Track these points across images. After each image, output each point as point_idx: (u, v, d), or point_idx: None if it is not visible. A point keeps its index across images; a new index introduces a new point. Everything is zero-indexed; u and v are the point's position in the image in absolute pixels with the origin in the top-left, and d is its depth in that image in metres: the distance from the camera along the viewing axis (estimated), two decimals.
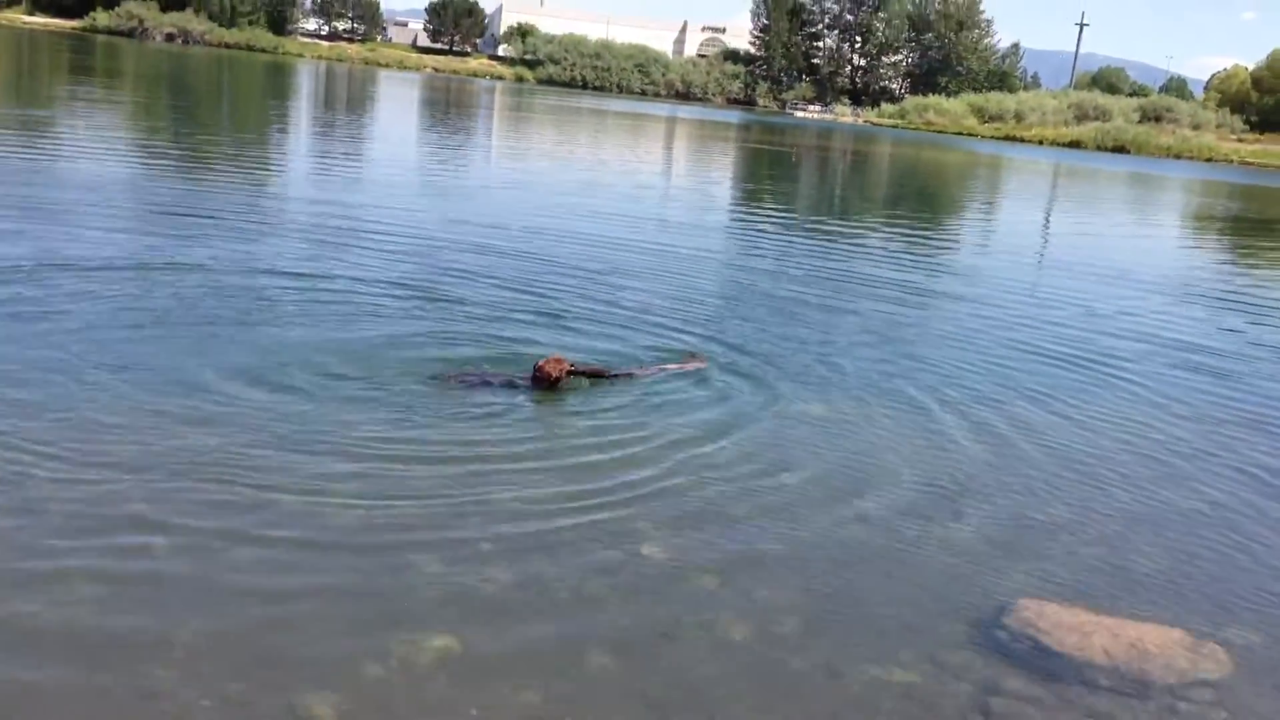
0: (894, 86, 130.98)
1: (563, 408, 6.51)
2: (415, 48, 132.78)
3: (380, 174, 19.58)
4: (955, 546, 5.13)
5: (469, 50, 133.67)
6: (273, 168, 18.74)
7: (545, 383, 6.63)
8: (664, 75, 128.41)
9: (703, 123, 68.16)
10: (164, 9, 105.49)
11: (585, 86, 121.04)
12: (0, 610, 3.75)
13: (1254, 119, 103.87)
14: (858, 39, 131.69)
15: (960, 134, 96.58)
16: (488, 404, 6.37)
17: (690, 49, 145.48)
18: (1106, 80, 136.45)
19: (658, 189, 24.06)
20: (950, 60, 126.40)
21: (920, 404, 7.38)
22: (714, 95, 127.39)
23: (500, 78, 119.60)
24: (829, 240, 17.09)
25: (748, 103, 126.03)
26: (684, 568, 4.60)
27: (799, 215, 21.27)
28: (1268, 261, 22.00)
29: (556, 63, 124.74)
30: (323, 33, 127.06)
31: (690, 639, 4.06)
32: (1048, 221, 26.91)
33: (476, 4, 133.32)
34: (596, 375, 7.01)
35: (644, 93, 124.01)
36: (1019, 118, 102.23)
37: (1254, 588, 5.00)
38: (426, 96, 60.99)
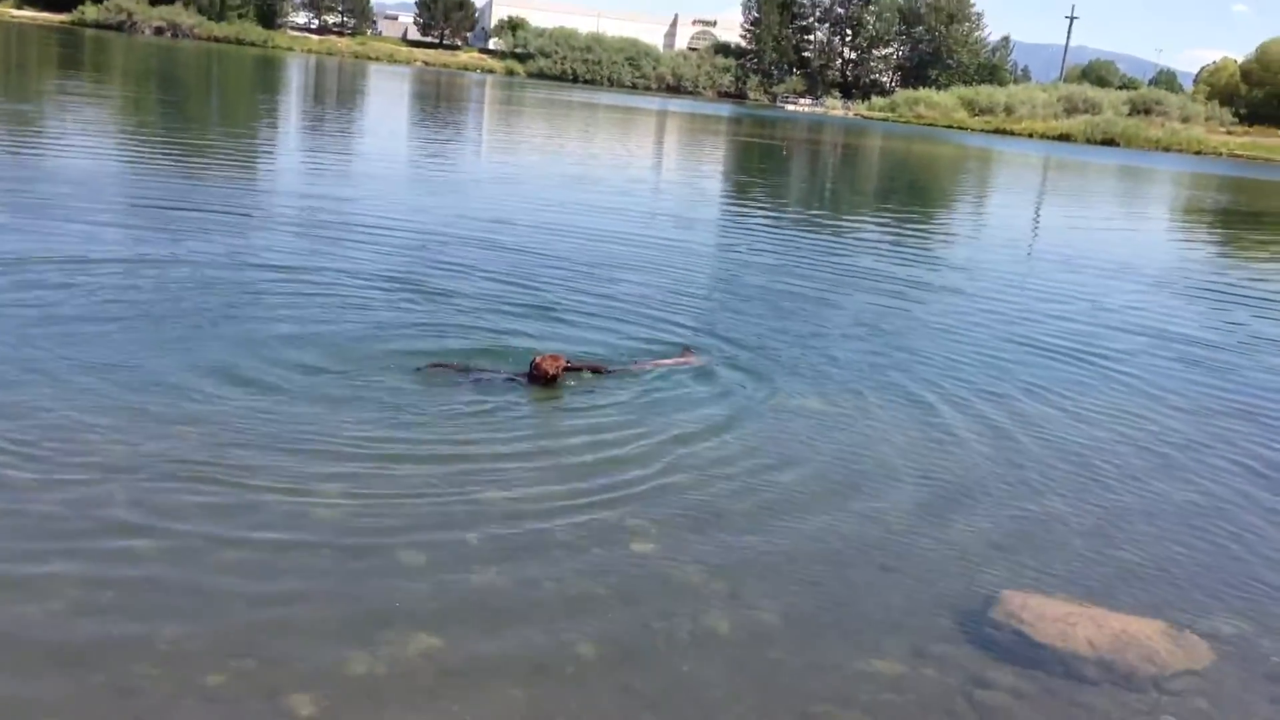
0: (884, 80, 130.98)
1: (557, 404, 6.50)
2: (405, 41, 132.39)
3: (370, 168, 19.53)
4: (943, 539, 5.14)
5: (459, 44, 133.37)
6: (261, 162, 18.69)
7: (542, 379, 6.63)
8: (655, 69, 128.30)
9: (693, 116, 68.10)
10: (153, 3, 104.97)
11: (576, 80, 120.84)
12: None
13: (1243, 112, 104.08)
14: (848, 32, 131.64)
15: (951, 127, 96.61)
16: (482, 400, 6.36)
17: (681, 42, 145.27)
18: (1096, 73, 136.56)
19: (649, 183, 24.05)
20: (941, 53, 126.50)
21: (910, 397, 7.39)
22: (705, 89, 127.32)
23: (491, 71, 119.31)
24: (820, 233, 17.10)
25: (738, 96, 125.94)
26: (672, 563, 4.60)
27: (790, 209, 21.27)
28: (1258, 254, 22.06)
29: (547, 56, 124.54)
30: (312, 26, 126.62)
31: (677, 635, 4.06)
32: (1038, 214, 26.95)
33: None
34: (593, 371, 7.01)
35: (635, 86, 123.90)
36: (1009, 111, 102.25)
37: (1237, 578, 5.03)
38: (417, 90, 60.83)
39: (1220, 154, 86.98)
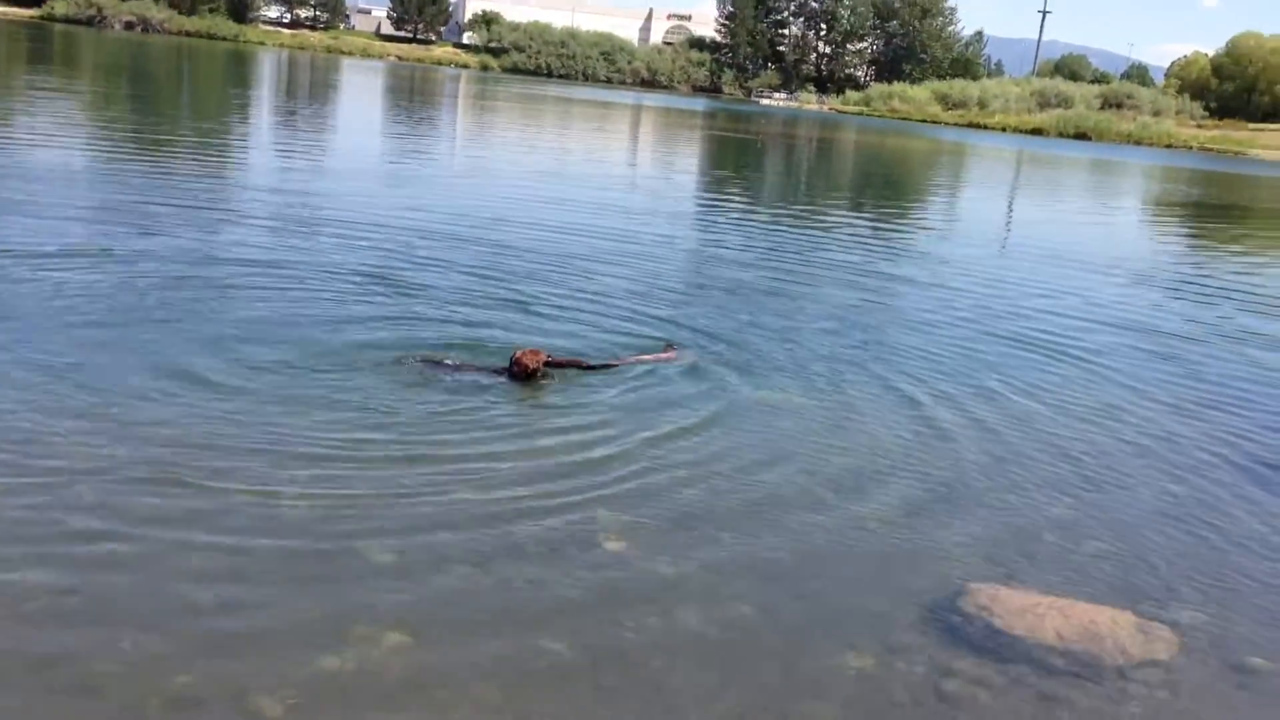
0: (859, 74, 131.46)
1: (535, 400, 6.48)
2: (379, 35, 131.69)
3: (341, 164, 19.44)
4: (912, 531, 5.17)
5: (433, 38, 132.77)
6: (232, 157, 18.54)
7: (523, 374, 6.61)
8: (630, 63, 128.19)
9: (669, 110, 68.09)
10: None
11: (551, 74, 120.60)
12: None
13: (1213, 105, 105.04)
14: (823, 26, 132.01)
15: (924, 121, 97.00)
16: (459, 396, 6.33)
17: (656, 36, 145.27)
18: (1069, 67, 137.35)
19: (624, 177, 24.02)
20: (914, 47, 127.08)
21: (884, 392, 7.41)
22: (679, 83, 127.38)
23: (465, 66, 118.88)
24: (796, 228, 17.13)
25: (713, 90, 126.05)
26: (639, 553, 4.60)
27: (766, 203, 21.30)
28: (1228, 247, 22.25)
29: (521, 50, 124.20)
30: (284, 21, 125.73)
31: (644, 625, 4.06)
32: (1012, 208, 27.11)
33: None
34: (574, 367, 7.00)
35: (610, 80, 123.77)
36: (982, 105, 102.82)
37: (1206, 569, 5.07)
38: (390, 85, 60.54)
39: (1191, 147, 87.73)
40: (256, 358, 6.58)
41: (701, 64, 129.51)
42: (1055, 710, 3.81)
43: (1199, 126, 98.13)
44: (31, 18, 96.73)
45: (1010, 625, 4.21)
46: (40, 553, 4.09)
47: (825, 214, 20.35)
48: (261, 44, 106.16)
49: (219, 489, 4.78)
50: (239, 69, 56.76)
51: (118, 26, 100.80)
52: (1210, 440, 7.10)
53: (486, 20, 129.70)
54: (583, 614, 4.12)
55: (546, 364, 6.73)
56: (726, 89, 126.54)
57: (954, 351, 8.80)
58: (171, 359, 6.39)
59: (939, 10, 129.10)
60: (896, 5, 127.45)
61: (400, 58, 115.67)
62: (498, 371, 6.70)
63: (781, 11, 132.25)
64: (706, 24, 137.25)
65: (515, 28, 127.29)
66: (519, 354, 6.68)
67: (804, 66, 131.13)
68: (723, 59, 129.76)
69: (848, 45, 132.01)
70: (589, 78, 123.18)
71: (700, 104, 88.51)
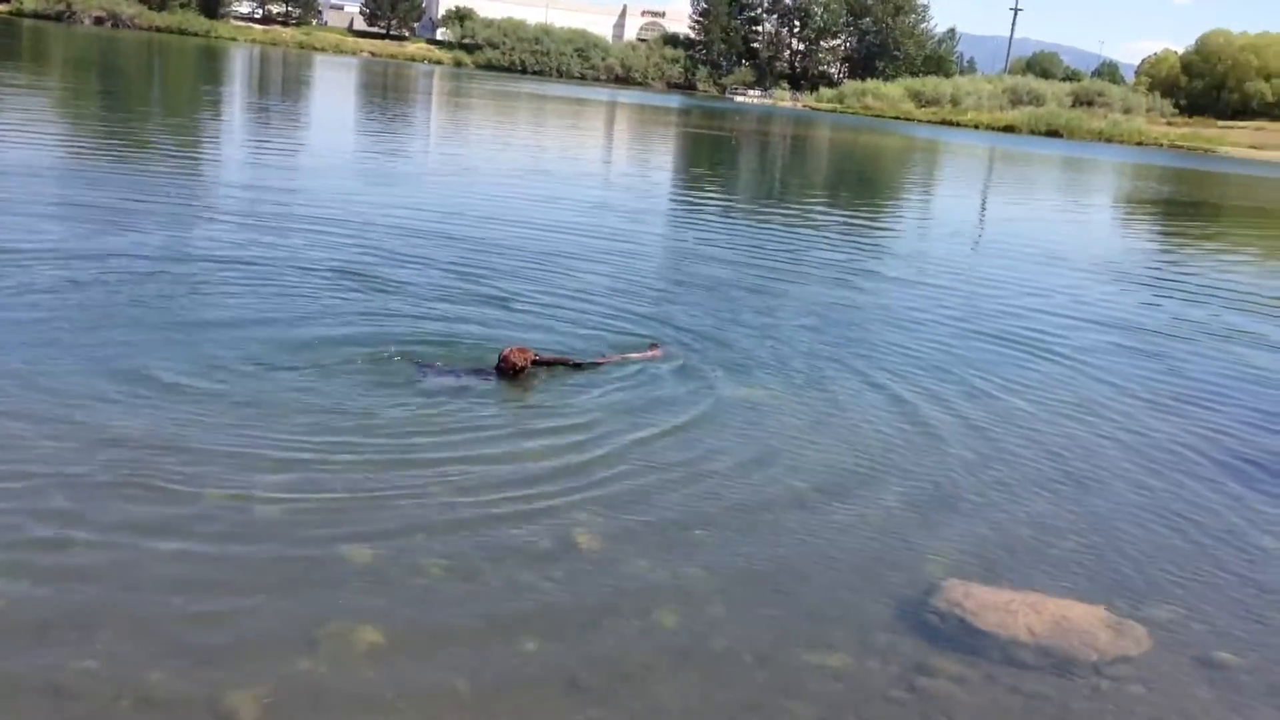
0: (832, 71, 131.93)
1: (517, 399, 6.46)
2: (351, 31, 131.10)
3: (315, 161, 19.33)
4: (886, 528, 5.19)
5: (406, 34, 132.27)
6: (204, 154, 18.39)
7: (510, 372, 6.62)
8: (604, 60, 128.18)
9: (643, 107, 68.08)
10: None
11: (525, 71, 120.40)
12: None
13: (1183, 103, 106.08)
14: (796, 23, 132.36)
15: (898, 118, 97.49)
16: (445, 394, 6.30)
17: (630, 33, 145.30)
18: (1040, 65, 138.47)
19: (599, 175, 24.00)
20: (888, 45, 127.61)
21: (863, 388, 7.45)
22: (654, 80, 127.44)
23: (438, 62, 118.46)
24: (771, 224, 17.16)
25: (688, 87, 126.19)
26: (617, 555, 4.60)
27: (742, 200, 21.33)
28: (1199, 244, 22.46)
29: (495, 47, 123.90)
30: (256, 16, 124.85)
31: (621, 625, 4.07)
32: (985, 205, 27.26)
33: None
34: (561, 365, 7.01)
35: (584, 77, 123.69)
36: (955, 102, 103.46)
37: (1178, 565, 5.12)
38: (364, 81, 60.26)
39: (1161, 145, 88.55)
40: (231, 358, 6.52)
41: (676, 61, 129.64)
42: (1028, 705, 3.84)
43: (1169, 124, 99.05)
44: (0, 13, 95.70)
45: (984, 621, 4.24)
46: (9, 560, 4.04)
47: (801, 211, 20.40)
48: (233, 40, 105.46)
49: (191, 485, 4.75)
50: (210, 65, 56.33)
51: (87, 22, 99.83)
52: (1187, 436, 7.17)
53: (460, 16, 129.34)
54: (559, 616, 4.11)
55: (534, 362, 6.74)
56: (701, 86, 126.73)
57: (928, 348, 8.84)
58: (143, 359, 6.32)
59: (912, 7, 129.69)
60: (869, 2, 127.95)
61: (373, 54, 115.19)
62: (486, 370, 6.70)
63: (755, 8, 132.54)
64: (681, 20, 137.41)
65: (489, 24, 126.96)
66: (507, 352, 6.69)
67: (778, 63, 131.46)
68: (697, 56, 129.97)
69: (821, 42, 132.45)
70: (563, 74, 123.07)
71: (675, 101, 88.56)
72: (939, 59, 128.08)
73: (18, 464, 4.81)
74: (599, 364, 7.21)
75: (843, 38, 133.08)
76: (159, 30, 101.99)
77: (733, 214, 18.41)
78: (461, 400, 6.26)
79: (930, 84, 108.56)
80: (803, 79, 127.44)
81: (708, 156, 33.90)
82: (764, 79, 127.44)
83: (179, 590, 3.96)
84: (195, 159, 17.27)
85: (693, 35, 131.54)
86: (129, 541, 4.26)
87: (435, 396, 6.25)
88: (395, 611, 3.98)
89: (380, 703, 3.48)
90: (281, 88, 44.53)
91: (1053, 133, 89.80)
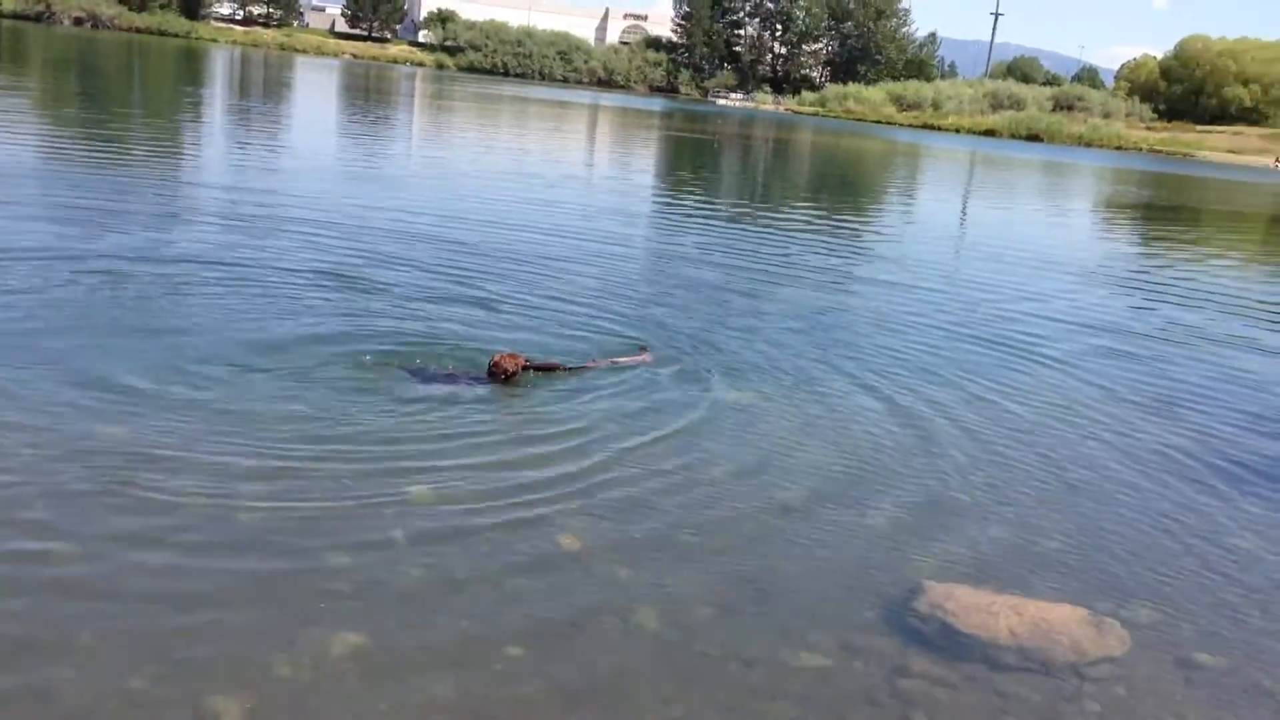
0: (814, 75, 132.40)
1: (508, 404, 6.44)
2: (333, 33, 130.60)
3: (297, 163, 19.25)
4: (870, 531, 5.21)
5: (388, 36, 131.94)
6: (184, 155, 18.30)
7: (501, 377, 6.61)
8: (586, 62, 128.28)
9: (625, 110, 68.11)
10: None
11: (507, 73, 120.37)
12: None
13: (1162, 107, 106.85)
14: (778, 27, 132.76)
15: (879, 122, 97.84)
16: (434, 400, 6.28)
17: (612, 36, 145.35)
18: (1021, 70, 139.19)
19: (582, 177, 23.99)
20: (869, 49, 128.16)
21: (842, 390, 7.47)
22: (636, 83, 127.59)
23: (420, 65, 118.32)
24: (754, 228, 17.20)
25: (670, 90, 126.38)
26: (600, 559, 4.60)
27: (725, 203, 21.35)
28: (1180, 248, 22.60)
29: (478, 49, 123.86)
30: (237, 17, 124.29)
31: (604, 629, 4.07)
32: (967, 209, 27.38)
33: None
34: (551, 369, 7.01)
35: (566, 80, 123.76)
36: (936, 106, 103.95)
37: (1155, 566, 5.15)
38: (345, 83, 60.06)
39: (1140, 149, 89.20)
40: (212, 361, 6.48)
41: (658, 64, 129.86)
42: (1009, 707, 3.86)
43: (1148, 129, 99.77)
44: None
45: (965, 623, 4.26)
46: None
47: (784, 215, 20.45)
48: (214, 41, 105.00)
49: (172, 487, 4.72)
50: (191, 66, 56.05)
51: (67, 22, 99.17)
52: (1173, 438, 7.22)
53: (442, 19, 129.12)
54: (539, 614, 4.11)
55: (524, 367, 6.74)
56: (683, 89, 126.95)
57: (910, 350, 8.87)
58: (123, 363, 6.26)
59: (893, 12, 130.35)
60: (851, 6, 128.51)
61: (355, 56, 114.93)
62: (476, 375, 6.69)
63: (737, 12, 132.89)
64: (663, 24, 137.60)
65: (471, 26, 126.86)
66: (498, 357, 6.69)
67: (760, 67, 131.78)
68: (679, 59, 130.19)
69: (803, 46, 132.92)
70: (545, 77, 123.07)
71: (657, 104, 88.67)
72: (920, 63, 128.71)
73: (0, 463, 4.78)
74: (588, 368, 7.21)
75: (824, 41, 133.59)
76: (139, 31, 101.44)
77: (716, 218, 18.43)
78: (451, 406, 6.24)
79: (912, 88, 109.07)
80: (785, 82, 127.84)
81: (690, 160, 33.92)
82: (746, 82, 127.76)
83: (160, 599, 3.93)
84: (175, 161, 17.18)
85: (675, 38, 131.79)
86: (111, 544, 4.24)
87: (424, 402, 6.23)
88: (379, 620, 3.96)
89: (364, 711, 3.46)
90: (263, 89, 44.34)
91: (1033, 137, 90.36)
